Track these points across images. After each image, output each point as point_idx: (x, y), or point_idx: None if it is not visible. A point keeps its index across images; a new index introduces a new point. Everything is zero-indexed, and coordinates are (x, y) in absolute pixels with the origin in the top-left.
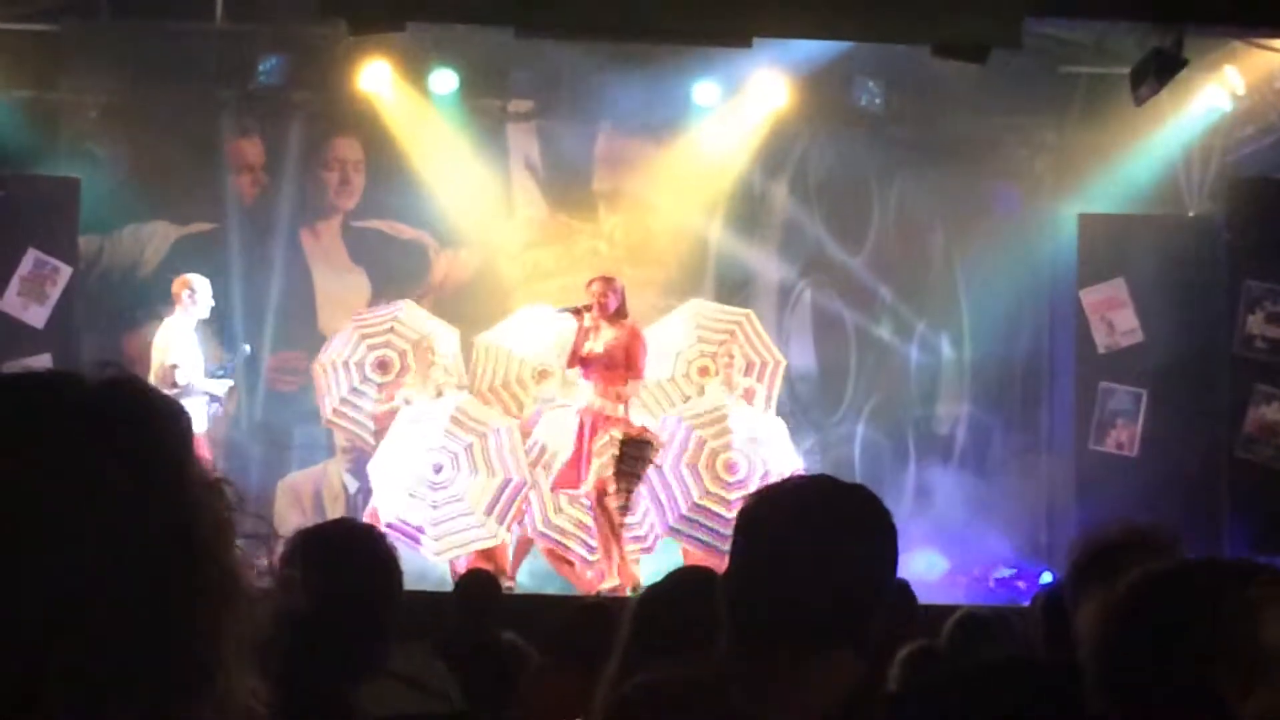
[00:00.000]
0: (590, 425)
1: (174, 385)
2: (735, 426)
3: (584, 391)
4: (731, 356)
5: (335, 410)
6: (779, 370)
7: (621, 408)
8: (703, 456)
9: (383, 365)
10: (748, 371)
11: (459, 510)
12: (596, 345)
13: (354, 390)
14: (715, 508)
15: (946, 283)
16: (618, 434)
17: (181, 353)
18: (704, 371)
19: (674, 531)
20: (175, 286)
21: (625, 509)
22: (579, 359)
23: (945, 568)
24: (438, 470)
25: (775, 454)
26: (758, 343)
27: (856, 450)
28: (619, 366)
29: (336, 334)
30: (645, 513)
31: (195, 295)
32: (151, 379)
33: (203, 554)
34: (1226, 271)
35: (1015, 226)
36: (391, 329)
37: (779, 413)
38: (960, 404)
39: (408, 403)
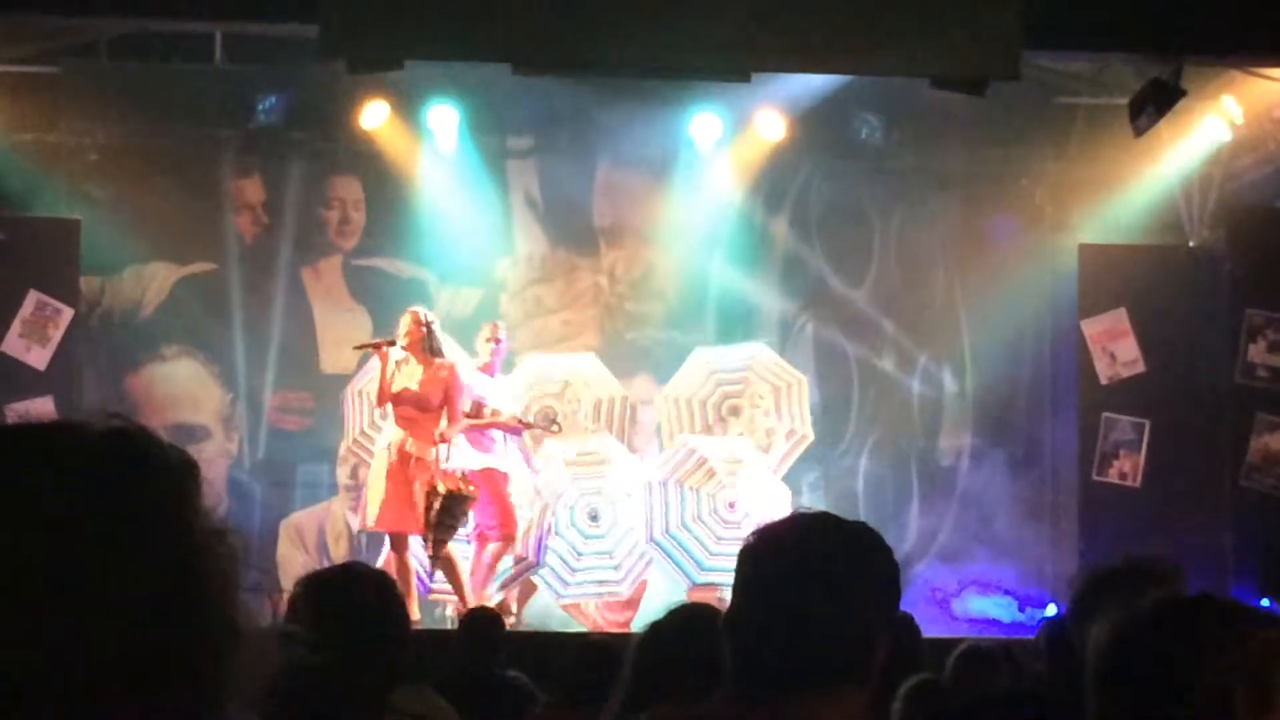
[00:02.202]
0: (400, 466)
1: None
2: (746, 475)
3: (390, 429)
4: (761, 396)
5: (356, 441)
6: (803, 390)
7: (435, 450)
8: (707, 483)
9: None
10: (776, 409)
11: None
12: (411, 383)
13: (373, 424)
14: (702, 536)
15: (948, 315)
16: (440, 487)
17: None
18: (735, 411)
19: (654, 544)
20: (488, 333)
21: (435, 560)
22: (390, 396)
23: (1013, 608)
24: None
25: (760, 482)
26: (775, 367)
27: (860, 483)
28: (433, 408)
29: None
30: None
31: (500, 346)
32: (459, 420)
33: (206, 605)
34: (1228, 301)
35: (1016, 258)
36: None
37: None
38: (963, 436)
39: None
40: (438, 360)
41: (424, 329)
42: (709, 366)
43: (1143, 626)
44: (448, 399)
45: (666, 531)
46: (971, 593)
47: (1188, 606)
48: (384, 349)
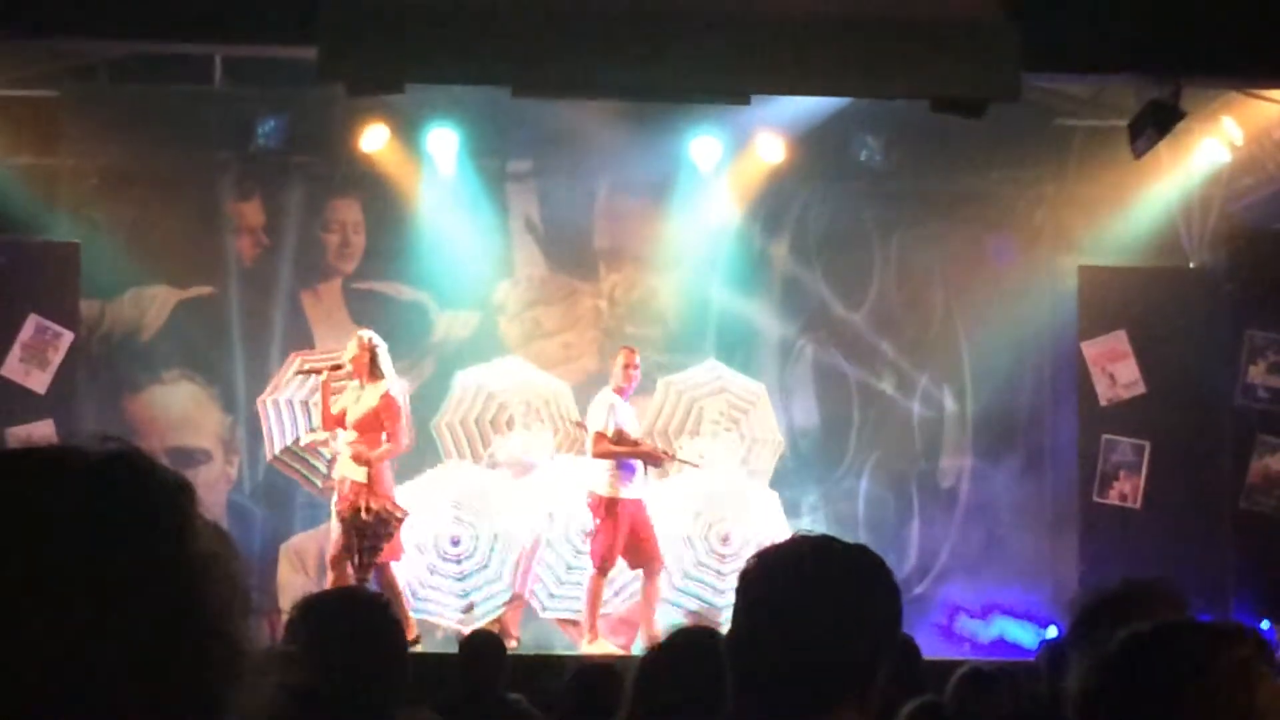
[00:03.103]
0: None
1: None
2: (726, 501)
3: (344, 456)
4: (722, 411)
5: (286, 450)
6: (765, 398)
7: (363, 471)
8: (697, 528)
9: None
10: (749, 420)
11: (486, 578)
12: (356, 406)
13: (311, 430)
14: (708, 579)
15: (947, 336)
16: (371, 506)
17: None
18: (715, 424)
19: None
20: (626, 358)
21: (365, 580)
22: (335, 421)
23: (1025, 630)
24: (455, 543)
25: (766, 524)
26: (737, 380)
27: (860, 505)
28: (371, 430)
29: (283, 370)
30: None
31: (638, 374)
32: (398, 442)
33: (206, 628)
34: (1228, 322)
35: (1015, 279)
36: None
37: (781, 468)
38: (963, 457)
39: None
40: (380, 382)
41: (370, 353)
42: (682, 394)
43: (1115, 662)
44: (385, 421)
45: (673, 587)
46: (980, 614)
47: (1156, 637)
48: (323, 371)
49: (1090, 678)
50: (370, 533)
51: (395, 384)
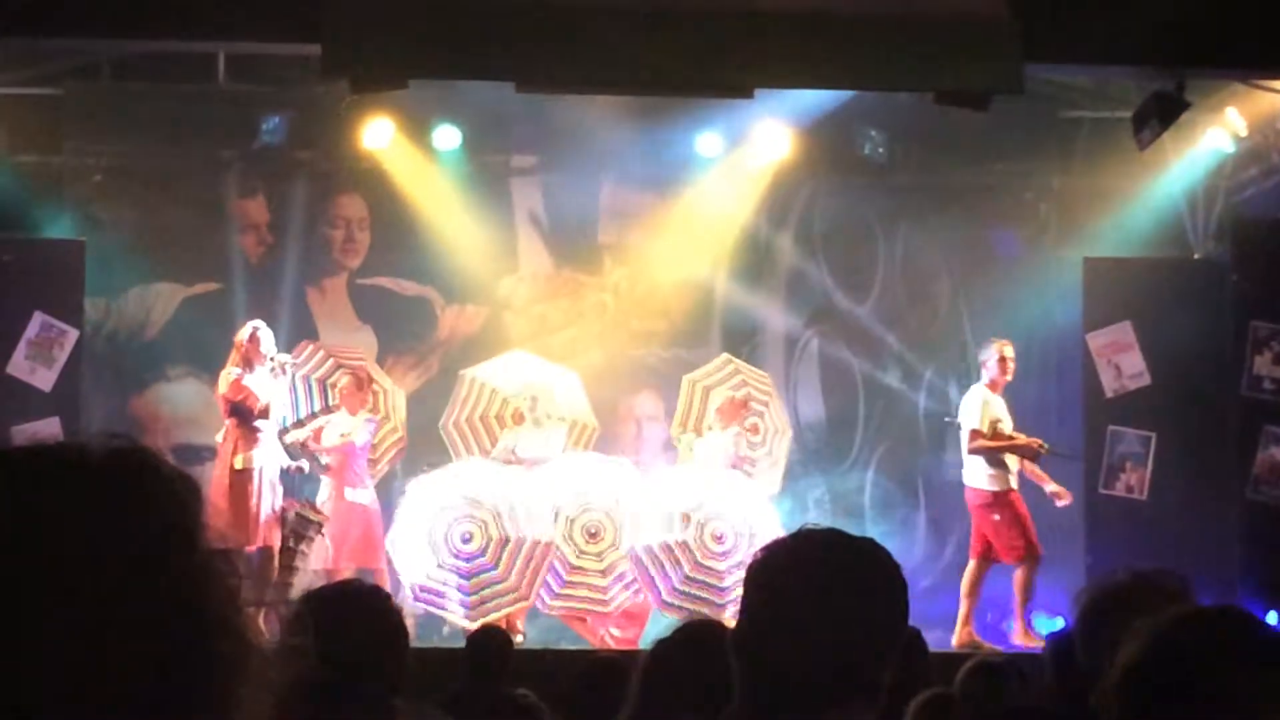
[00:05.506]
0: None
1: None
2: (714, 495)
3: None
4: (756, 423)
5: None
6: (785, 441)
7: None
8: (690, 532)
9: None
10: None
11: (491, 578)
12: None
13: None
14: (708, 579)
15: (953, 329)
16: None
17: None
18: (747, 416)
19: (667, 606)
20: (1002, 349)
21: (289, 585)
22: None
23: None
24: (466, 540)
25: (753, 513)
26: (777, 406)
27: (866, 499)
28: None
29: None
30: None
31: (1011, 365)
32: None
33: (214, 624)
34: (1233, 313)
35: (1020, 271)
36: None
37: (787, 461)
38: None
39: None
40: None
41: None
42: (740, 373)
43: (1173, 638)
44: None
45: (674, 590)
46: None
47: (1218, 617)
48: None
49: (1138, 653)
50: (296, 538)
51: None
